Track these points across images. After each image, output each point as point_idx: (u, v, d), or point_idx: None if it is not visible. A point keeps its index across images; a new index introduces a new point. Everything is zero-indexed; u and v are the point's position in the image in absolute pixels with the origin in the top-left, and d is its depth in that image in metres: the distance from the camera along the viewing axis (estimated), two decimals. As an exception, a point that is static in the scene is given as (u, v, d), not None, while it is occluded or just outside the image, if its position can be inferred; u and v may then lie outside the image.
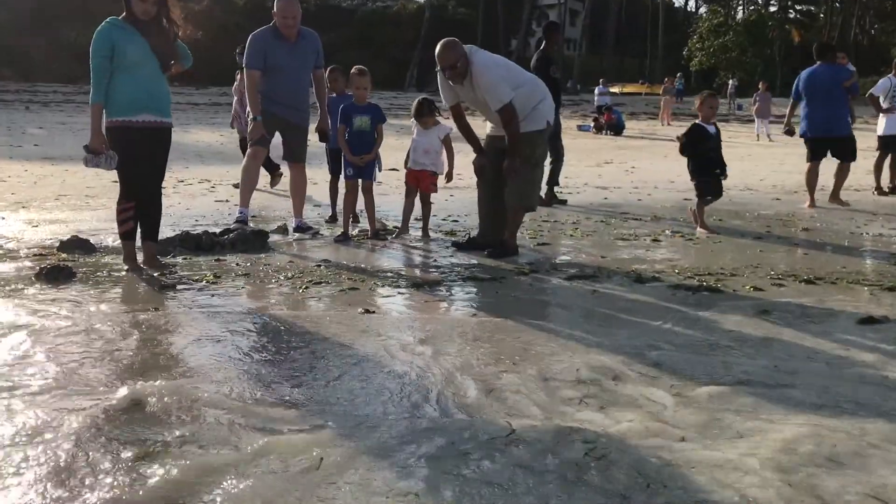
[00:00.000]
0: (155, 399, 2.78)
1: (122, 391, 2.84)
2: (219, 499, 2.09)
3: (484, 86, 5.36)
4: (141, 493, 2.11)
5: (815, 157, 8.72)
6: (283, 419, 2.61)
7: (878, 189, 10.08)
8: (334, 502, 2.07)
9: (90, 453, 2.33)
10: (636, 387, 2.95)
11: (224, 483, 2.16)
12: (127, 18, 4.81)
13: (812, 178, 8.75)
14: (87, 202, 8.24)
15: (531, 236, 6.49)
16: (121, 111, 4.79)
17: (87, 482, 2.16)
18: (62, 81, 30.27)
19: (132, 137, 4.81)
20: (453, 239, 6.22)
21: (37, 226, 6.69)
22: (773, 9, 53.80)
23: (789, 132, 9.36)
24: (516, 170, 5.48)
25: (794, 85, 8.95)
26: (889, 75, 10.36)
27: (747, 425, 2.58)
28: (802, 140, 8.87)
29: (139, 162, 4.87)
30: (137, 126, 4.81)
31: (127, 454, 2.33)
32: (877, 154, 10.31)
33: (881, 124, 10.27)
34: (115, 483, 2.16)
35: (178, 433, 2.48)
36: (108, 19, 4.83)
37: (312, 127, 6.62)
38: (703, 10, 57.72)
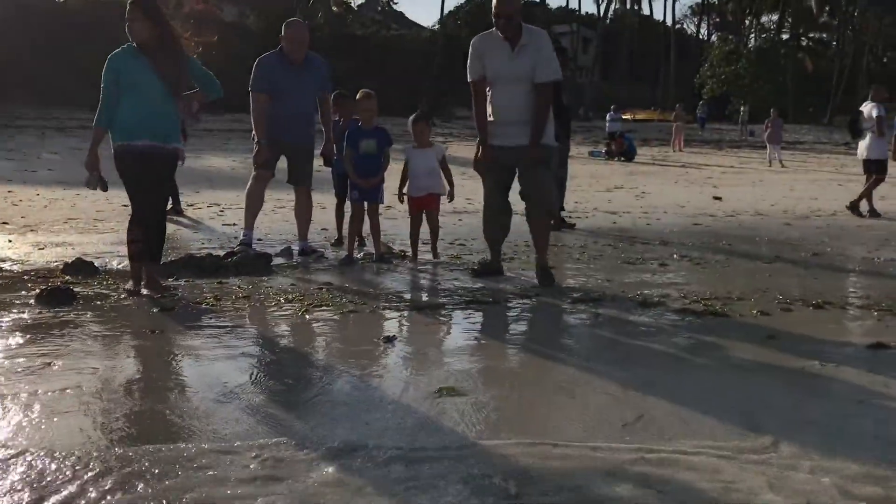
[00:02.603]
0: (141, 423, 2.73)
1: (111, 414, 2.80)
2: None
3: (545, 55, 5.21)
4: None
5: None
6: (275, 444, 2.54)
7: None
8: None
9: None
10: (629, 410, 2.87)
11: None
12: (137, 45, 4.84)
13: None
14: (96, 226, 8.25)
15: (537, 260, 6.41)
16: (122, 136, 4.80)
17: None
18: (79, 107, 30.55)
19: (133, 161, 4.80)
20: (473, 267, 5.81)
21: (43, 248, 6.69)
22: (785, 37, 53.81)
23: None
24: (541, 158, 5.33)
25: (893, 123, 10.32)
26: None
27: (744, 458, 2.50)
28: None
29: (142, 185, 4.86)
30: (138, 150, 4.80)
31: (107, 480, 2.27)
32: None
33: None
34: (95, 507, 2.10)
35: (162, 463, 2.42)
36: (122, 46, 4.87)
37: (317, 151, 6.61)
38: (714, 37, 57.78)
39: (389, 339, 3.87)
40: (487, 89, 5.41)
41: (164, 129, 4.89)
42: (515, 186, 5.50)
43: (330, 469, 2.34)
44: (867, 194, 10.61)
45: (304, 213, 6.57)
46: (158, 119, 4.85)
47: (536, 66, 5.19)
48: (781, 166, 22.07)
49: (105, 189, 4.97)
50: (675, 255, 6.76)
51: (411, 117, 6.48)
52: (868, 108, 10.74)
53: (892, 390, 3.14)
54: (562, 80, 8.74)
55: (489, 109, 5.40)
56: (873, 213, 10.40)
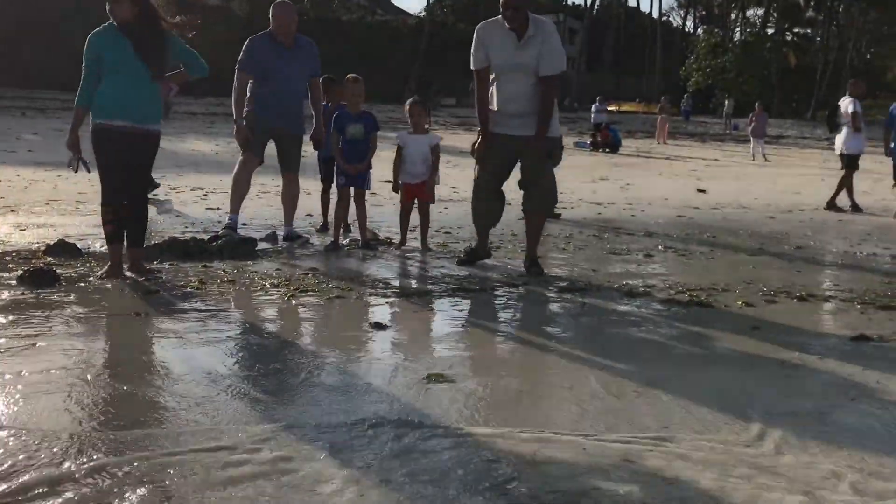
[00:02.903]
0: (125, 407, 2.72)
1: (95, 396, 2.78)
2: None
3: (551, 47, 5.10)
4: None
5: None
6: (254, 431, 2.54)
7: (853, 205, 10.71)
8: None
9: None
10: (618, 401, 2.89)
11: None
12: (118, 24, 4.77)
13: None
14: (78, 207, 8.16)
15: (524, 248, 6.42)
16: (100, 115, 4.75)
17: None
18: (61, 88, 30.13)
19: (110, 141, 4.75)
20: (460, 256, 5.76)
21: (25, 229, 6.62)
22: (770, 31, 54.07)
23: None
24: (547, 151, 5.27)
25: (890, 114, 10.44)
26: None
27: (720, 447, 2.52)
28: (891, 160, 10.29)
29: (118, 166, 4.80)
30: (115, 130, 4.74)
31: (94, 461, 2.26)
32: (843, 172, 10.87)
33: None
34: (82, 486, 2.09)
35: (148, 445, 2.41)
36: (103, 25, 4.80)
37: (306, 137, 6.57)
38: (700, 30, 57.97)
39: (380, 326, 3.86)
40: (491, 76, 5.29)
41: (143, 111, 4.81)
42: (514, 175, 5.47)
43: (318, 454, 2.33)
44: (846, 189, 10.69)
45: (290, 198, 6.52)
46: (138, 100, 4.77)
47: (542, 57, 5.08)
48: (765, 160, 22.18)
49: (88, 170, 4.93)
50: (659, 247, 6.79)
51: (409, 100, 6.44)
52: (845, 104, 10.80)
53: (876, 382, 3.17)
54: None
55: (492, 99, 5.29)
56: (855, 209, 10.48)
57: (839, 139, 10.90)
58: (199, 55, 5.10)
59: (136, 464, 2.23)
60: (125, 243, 4.94)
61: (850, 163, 10.70)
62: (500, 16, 5.16)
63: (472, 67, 5.31)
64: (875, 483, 2.24)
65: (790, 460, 2.38)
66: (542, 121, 5.16)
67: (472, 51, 5.27)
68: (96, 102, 4.76)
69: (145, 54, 4.76)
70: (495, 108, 5.29)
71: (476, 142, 5.47)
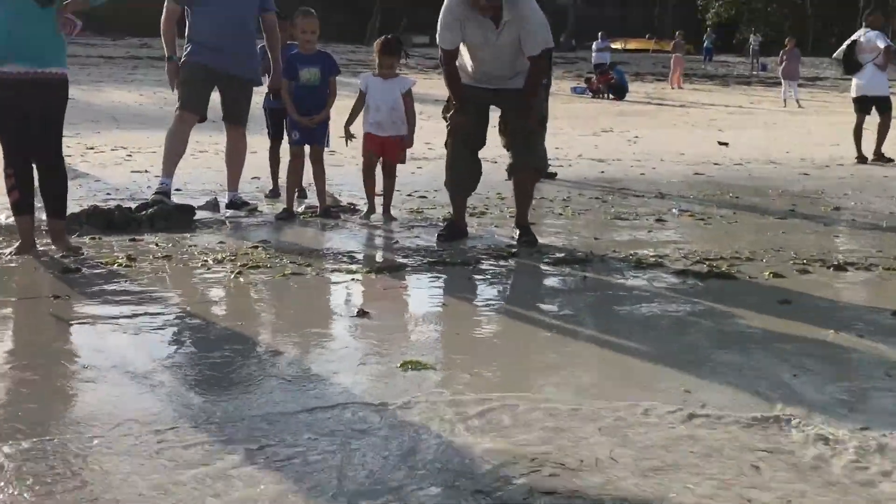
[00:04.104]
0: (47, 404, 2.78)
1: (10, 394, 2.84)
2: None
3: (532, 28, 5.21)
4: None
5: None
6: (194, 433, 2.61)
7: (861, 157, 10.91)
8: None
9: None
10: (627, 388, 2.99)
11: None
12: None
13: None
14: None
15: (513, 214, 6.49)
16: None
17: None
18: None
19: (2, 90, 4.69)
20: (441, 233, 5.63)
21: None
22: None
23: None
24: (534, 125, 5.50)
25: None
26: None
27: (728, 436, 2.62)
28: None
29: (15, 120, 4.77)
30: (7, 78, 4.68)
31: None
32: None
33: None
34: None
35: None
36: None
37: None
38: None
39: (345, 307, 3.93)
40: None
41: (35, 50, 4.72)
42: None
43: (275, 455, 2.40)
44: (854, 135, 10.89)
45: (236, 157, 6.51)
46: (23, 38, 4.67)
47: (525, 40, 5.20)
48: (798, 106, 22.39)
49: None
50: (673, 210, 6.90)
51: (379, 40, 6.38)
52: (869, 37, 10.83)
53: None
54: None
55: (466, 63, 5.41)
56: (862, 159, 10.72)
57: (862, 79, 10.96)
58: None
59: (61, 459, 2.29)
60: (45, 213, 4.96)
61: (886, 106, 10.83)
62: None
63: (440, 45, 5.38)
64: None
65: (816, 453, 2.46)
66: (528, 93, 5.36)
67: (440, 28, 5.28)
68: None
69: None
70: (469, 71, 5.43)
71: (447, 106, 5.57)
